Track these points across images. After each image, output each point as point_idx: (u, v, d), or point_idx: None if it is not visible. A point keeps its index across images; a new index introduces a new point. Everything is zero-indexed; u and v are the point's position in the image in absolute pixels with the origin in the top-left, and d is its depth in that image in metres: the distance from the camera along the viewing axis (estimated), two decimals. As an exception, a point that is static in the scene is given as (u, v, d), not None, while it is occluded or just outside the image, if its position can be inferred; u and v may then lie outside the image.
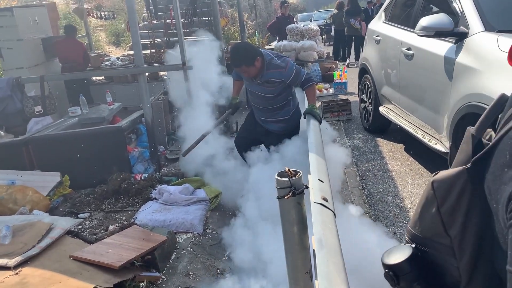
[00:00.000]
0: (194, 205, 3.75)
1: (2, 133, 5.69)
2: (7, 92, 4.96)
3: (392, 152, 5.01)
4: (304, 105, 3.90)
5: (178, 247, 3.29)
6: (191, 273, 3.02)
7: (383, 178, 4.36)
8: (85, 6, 10.85)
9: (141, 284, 2.65)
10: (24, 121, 5.38)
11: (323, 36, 18.45)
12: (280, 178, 1.96)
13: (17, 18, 6.67)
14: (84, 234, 3.36)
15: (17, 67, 6.71)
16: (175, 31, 5.41)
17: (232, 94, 4.17)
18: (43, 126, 5.13)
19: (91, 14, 9.74)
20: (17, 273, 2.47)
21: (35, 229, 3.00)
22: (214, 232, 3.64)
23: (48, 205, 3.90)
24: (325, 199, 1.85)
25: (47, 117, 5.52)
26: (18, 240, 2.88)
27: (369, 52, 5.84)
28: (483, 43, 3.26)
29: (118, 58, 8.08)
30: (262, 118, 3.96)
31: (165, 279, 2.89)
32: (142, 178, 4.36)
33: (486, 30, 3.31)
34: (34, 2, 11.47)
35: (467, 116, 3.27)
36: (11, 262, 2.57)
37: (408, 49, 4.38)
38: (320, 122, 3.46)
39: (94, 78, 8.08)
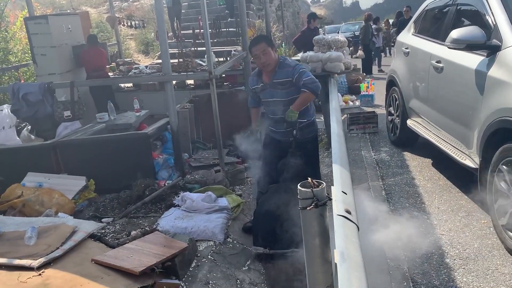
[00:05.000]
0: (216, 214, 3.74)
1: (33, 136, 5.85)
2: (39, 97, 5.10)
3: (419, 167, 4.90)
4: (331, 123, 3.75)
5: (198, 255, 3.28)
6: (210, 281, 3.00)
7: (409, 193, 4.25)
8: (117, 15, 11.14)
9: (160, 291, 2.65)
10: (54, 125, 5.51)
11: (351, 48, 18.38)
12: (303, 189, 1.93)
13: (52, 26, 6.88)
14: (107, 238, 3.40)
15: (50, 73, 6.90)
16: (203, 41, 5.49)
17: (253, 126, 4.12)
18: (72, 131, 5.24)
19: (122, 23, 9.97)
20: (40, 274, 2.50)
21: (59, 232, 3.05)
22: (235, 241, 3.62)
23: (73, 208, 3.97)
24: (349, 212, 1.81)
25: (76, 122, 5.64)
26: (43, 242, 2.93)
27: (397, 65, 5.75)
28: (517, 57, 3.16)
29: (146, 67, 8.22)
30: (280, 131, 3.82)
31: (184, 287, 2.88)
32: (166, 184, 4.39)
33: (520, 44, 3.21)
34: (68, 11, 11.84)
35: (498, 131, 3.17)
36: (35, 263, 2.61)
37: (438, 61, 4.29)
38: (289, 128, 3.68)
39: (122, 85, 8.24)
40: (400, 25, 12.49)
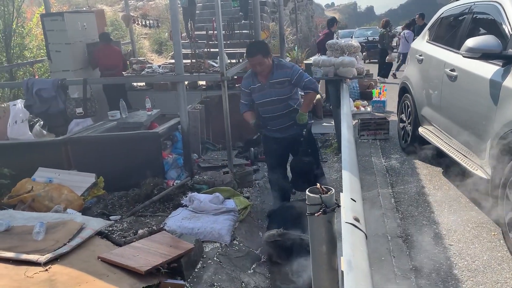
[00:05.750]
0: (223, 215, 3.74)
1: (45, 132, 5.90)
2: (52, 93, 5.14)
3: (429, 175, 4.85)
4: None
5: (204, 256, 3.28)
6: (215, 283, 2.99)
7: (418, 201, 4.21)
8: (132, 14, 11.21)
9: (165, 291, 2.64)
10: (66, 121, 5.55)
11: (364, 53, 18.32)
12: (311, 195, 1.91)
13: (67, 23, 6.94)
14: (114, 236, 3.41)
15: (64, 69, 6.97)
16: (216, 42, 5.49)
17: (251, 121, 4.15)
18: (83, 128, 5.27)
19: (137, 22, 10.03)
20: (46, 270, 2.52)
21: (67, 228, 3.06)
22: (241, 244, 3.61)
23: (81, 205, 3.99)
24: (357, 220, 1.79)
25: (88, 119, 5.67)
26: (50, 237, 2.94)
27: (410, 71, 5.71)
28: (533, 68, 3.11)
29: (159, 66, 8.26)
30: (280, 127, 4.07)
31: (189, 288, 2.88)
32: (174, 184, 4.40)
33: (537, 54, 3.17)
34: (84, 9, 11.95)
35: (512, 143, 3.12)
36: (42, 258, 2.62)
37: (452, 70, 4.25)
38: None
39: (135, 84, 8.28)
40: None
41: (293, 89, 4.00)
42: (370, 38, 21.01)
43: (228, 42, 9.39)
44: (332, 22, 9.96)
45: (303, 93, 4.29)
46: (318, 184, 1.94)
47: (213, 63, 7.71)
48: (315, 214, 1.85)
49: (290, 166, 4.25)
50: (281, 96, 3.94)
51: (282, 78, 3.89)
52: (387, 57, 12.39)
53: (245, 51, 4.09)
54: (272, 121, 4.07)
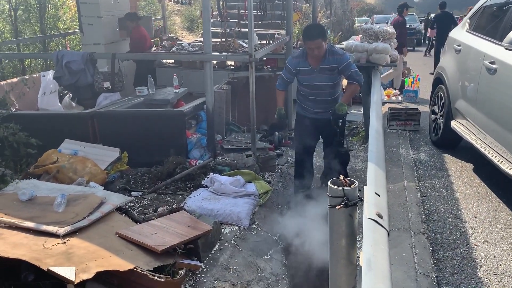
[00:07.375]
0: (243, 198, 3.71)
1: (74, 104, 5.97)
2: (81, 66, 5.16)
3: (459, 171, 4.67)
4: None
5: (222, 238, 3.26)
6: (231, 267, 2.98)
7: (446, 197, 4.07)
8: (165, -10, 11.13)
9: (180, 271, 2.64)
10: (94, 94, 5.58)
11: (399, 41, 17.76)
12: (334, 186, 1.84)
13: (100, -4, 6.94)
14: (134, 212, 3.43)
15: (95, 42, 6.99)
16: (247, 22, 5.37)
17: (279, 104, 4.20)
18: (111, 102, 5.30)
19: (169, -2, 9.98)
20: (64, 242, 2.54)
21: (87, 201, 3.08)
22: (259, 229, 3.58)
23: (104, 179, 4.02)
24: (380, 216, 1.71)
25: (116, 94, 5.69)
26: (71, 210, 2.97)
27: (447, 62, 5.47)
28: None
29: (189, 44, 8.19)
30: (318, 111, 4.09)
31: (204, 269, 2.87)
32: (197, 164, 4.38)
33: None
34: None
35: (552, 143, 2.95)
36: (61, 231, 2.64)
37: (492, 62, 4.03)
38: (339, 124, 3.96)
39: (164, 61, 8.27)
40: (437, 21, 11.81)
41: (339, 77, 4.06)
42: (407, 25, 20.36)
43: (260, 22, 9.25)
44: (402, 7, 9.61)
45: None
46: (341, 176, 1.86)
47: (243, 43, 7.60)
48: (336, 207, 1.78)
49: (325, 154, 4.29)
50: (329, 82, 3.97)
51: (333, 64, 3.90)
52: None
53: (303, 33, 4.02)
54: (313, 103, 4.09)
